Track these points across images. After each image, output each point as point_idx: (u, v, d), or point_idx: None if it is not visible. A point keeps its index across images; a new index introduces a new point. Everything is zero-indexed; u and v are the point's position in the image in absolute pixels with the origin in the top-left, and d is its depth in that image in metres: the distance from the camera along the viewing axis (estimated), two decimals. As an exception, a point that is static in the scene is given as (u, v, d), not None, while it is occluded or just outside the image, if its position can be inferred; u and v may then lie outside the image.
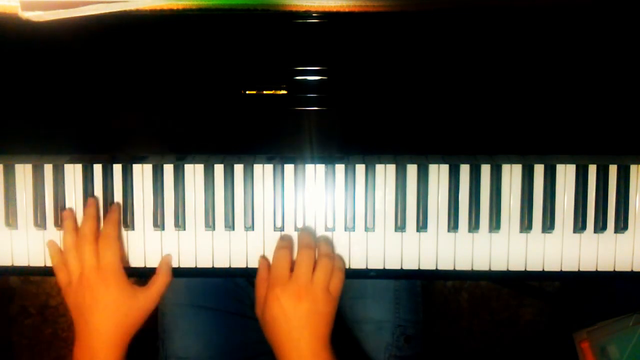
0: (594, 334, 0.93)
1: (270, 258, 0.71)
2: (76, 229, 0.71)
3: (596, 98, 0.64)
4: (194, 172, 0.73)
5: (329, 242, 0.72)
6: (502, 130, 0.65)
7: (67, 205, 0.73)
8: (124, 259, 0.72)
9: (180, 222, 0.73)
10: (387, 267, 0.73)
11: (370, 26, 0.63)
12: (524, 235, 0.73)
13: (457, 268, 0.73)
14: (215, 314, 0.83)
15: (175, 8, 0.62)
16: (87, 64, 0.64)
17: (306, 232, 0.71)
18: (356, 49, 0.64)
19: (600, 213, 0.72)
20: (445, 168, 0.72)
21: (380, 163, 0.72)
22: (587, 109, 0.64)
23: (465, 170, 0.72)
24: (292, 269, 0.67)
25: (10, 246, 0.74)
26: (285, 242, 0.70)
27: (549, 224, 0.72)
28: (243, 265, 0.73)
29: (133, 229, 0.73)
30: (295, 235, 0.73)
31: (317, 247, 0.70)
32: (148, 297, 0.70)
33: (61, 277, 0.70)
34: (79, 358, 0.68)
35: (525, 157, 0.71)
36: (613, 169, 0.72)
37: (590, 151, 0.66)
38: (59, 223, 0.73)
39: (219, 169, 0.73)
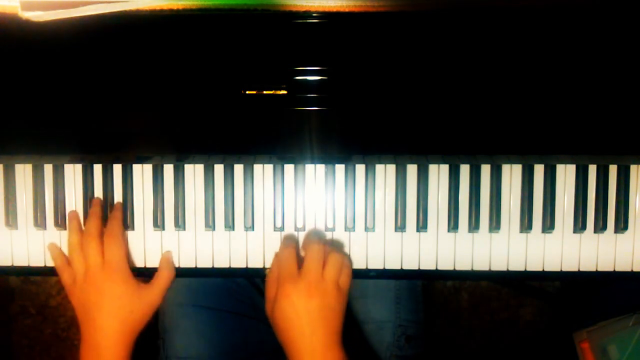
0: (594, 334, 0.93)
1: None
2: (81, 229, 0.71)
3: (596, 98, 0.64)
4: (194, 172, 0.73)
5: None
6: (502, 130, 0.65)
7: (67, 205, 0.73)
8: (127, 257, 0.72)
9: (180, 222, 0.73)
10: (387, 267, 0.73)
11: (370, 26, 0.63)
12: (524, 235, 0.73)
13: (457, 268, 0.73)
14: (215, 314, 0.83)
15: (175, 8, 0.62)
16: (87, 64, 0.64)
17: (314, 230, 0.72)
18: (356, 49, 0.64)
19: (600, 213, 0.72)
20: (445, 168, 0.72)
21: (380, 163, 0.72)
22: (587, 109, 0.64)
23: (465, 170, 0.72)
24: (299, 267, 0.67)
25: (10, 246, 0.74)
26: (290, 241, 0.71)
27: (549, 224, 0.72)
28: (243, 265, 0.73)
29: (133, 229, 0.73)
30: (295, 235, 0.73)
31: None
32: (152, 292, 0.70)
33: (65, 277, 0.70)
34: (85, 358, 0.68)
35: (525, 157, 0.70)
36: (613, 169, 0.72)
37: (590, 151, 0.66)
38: (59, 223, 0.73)
39: (219, 169, 0.73)
